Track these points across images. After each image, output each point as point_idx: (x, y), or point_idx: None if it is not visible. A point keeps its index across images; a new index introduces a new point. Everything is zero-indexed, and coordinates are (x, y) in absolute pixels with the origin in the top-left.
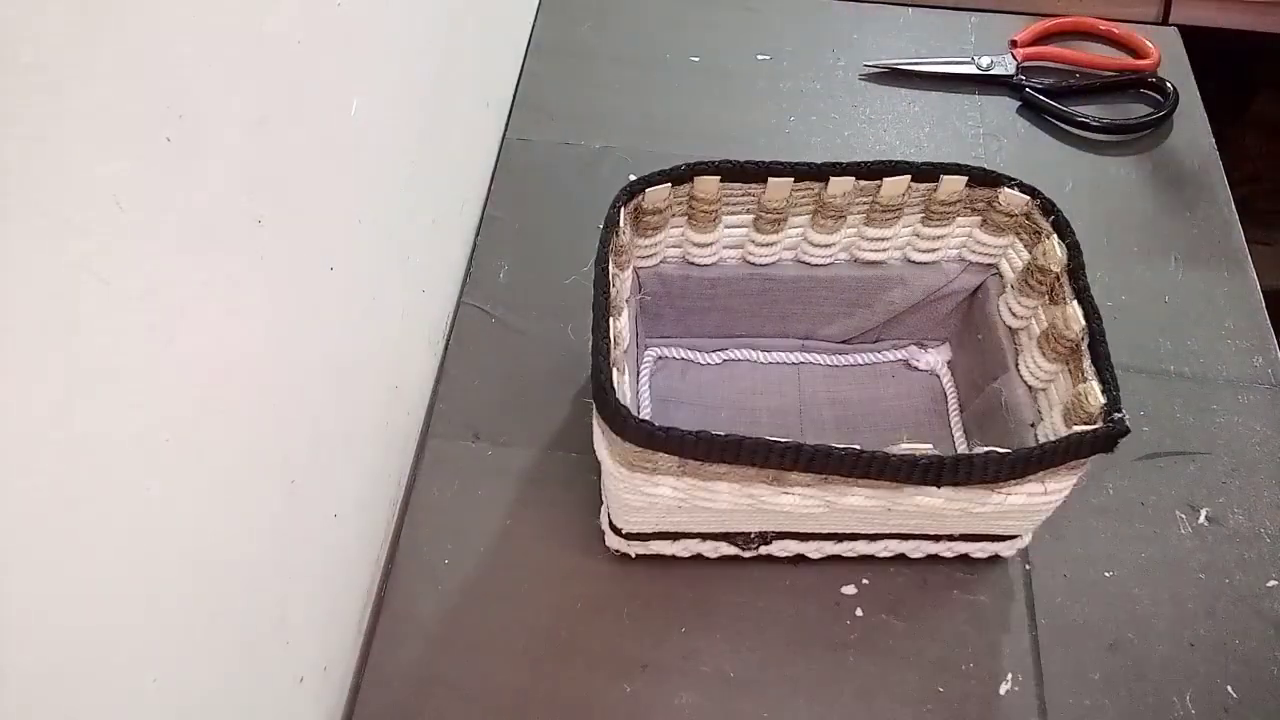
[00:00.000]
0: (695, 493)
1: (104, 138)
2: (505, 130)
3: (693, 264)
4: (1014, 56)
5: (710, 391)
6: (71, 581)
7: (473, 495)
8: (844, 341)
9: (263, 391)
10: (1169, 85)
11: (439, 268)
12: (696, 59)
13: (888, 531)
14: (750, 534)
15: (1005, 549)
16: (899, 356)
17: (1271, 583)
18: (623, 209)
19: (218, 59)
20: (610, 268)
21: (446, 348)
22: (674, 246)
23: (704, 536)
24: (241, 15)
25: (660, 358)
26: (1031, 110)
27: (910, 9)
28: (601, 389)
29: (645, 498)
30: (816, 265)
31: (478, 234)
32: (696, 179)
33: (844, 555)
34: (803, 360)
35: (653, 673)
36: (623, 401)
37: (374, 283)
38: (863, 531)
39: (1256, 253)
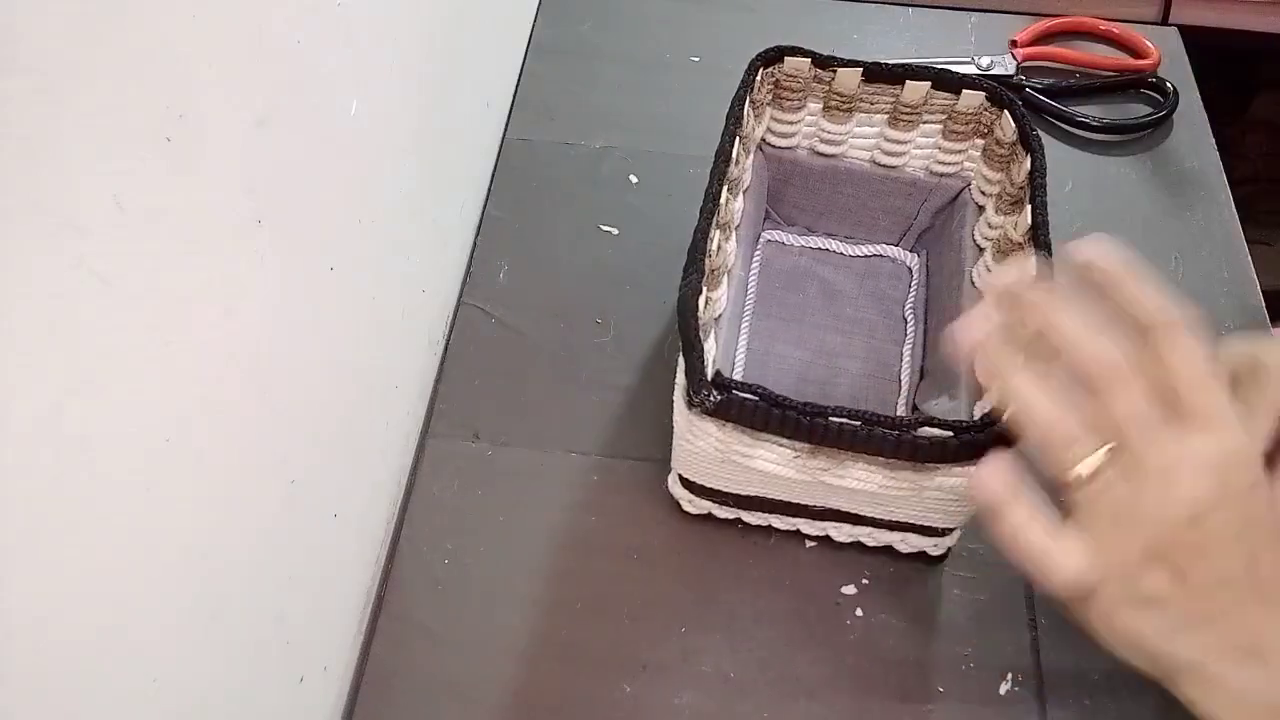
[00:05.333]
0: None
1: (104, 138)
2: (505, 130)
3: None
4: (1014, 56)
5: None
6: (71, 581)
7: (473, 495)
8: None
9: (263, 391)
10: (1169, 85)
11: (439, 268)
12: (696, 59)
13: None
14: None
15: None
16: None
17: None
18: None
19: (218, 59)
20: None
21: (446, 348)
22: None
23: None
24: (241, 15)
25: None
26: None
27: (910, 9)
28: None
29: None
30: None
31: (478, 234)
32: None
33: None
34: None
35: (653, 673)
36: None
37: (374, 283)
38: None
39: (1256, 253)
